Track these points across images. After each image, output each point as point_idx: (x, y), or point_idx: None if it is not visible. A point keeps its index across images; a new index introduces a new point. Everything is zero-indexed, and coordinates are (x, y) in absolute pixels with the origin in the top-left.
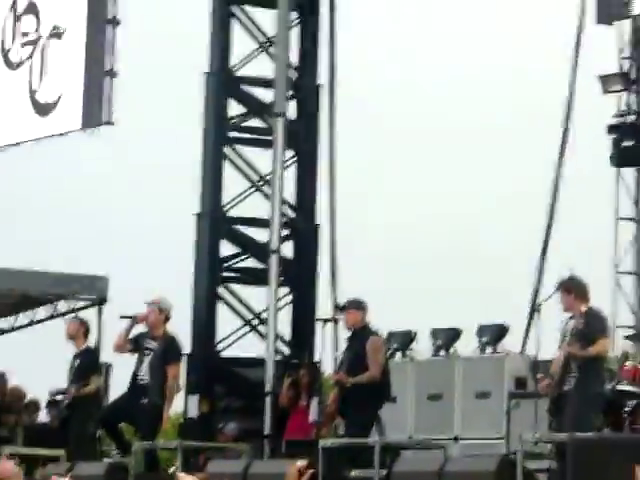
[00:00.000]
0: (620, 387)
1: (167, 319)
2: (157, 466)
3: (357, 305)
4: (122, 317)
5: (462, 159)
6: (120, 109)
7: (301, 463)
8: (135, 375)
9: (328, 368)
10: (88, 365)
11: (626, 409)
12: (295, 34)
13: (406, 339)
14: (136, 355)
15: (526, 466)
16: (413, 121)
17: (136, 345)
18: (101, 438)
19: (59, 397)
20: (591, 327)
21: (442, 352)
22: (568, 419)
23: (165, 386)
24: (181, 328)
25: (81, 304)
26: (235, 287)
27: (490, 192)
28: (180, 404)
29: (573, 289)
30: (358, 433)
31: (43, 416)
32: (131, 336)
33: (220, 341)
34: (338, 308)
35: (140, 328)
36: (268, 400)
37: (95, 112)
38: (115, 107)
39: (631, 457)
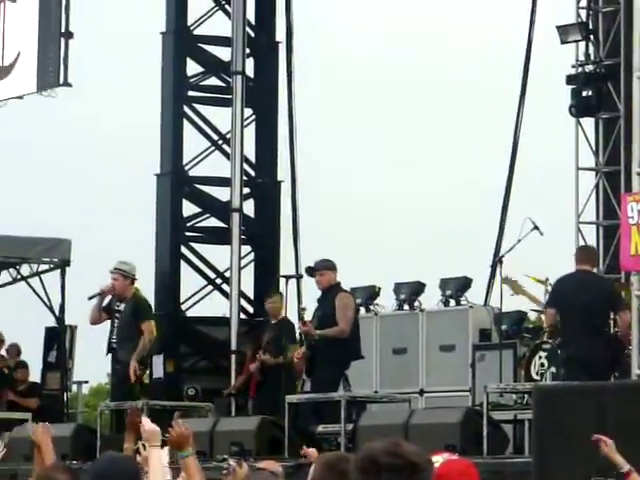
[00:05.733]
0: None
1: (133, 282)
2: None
3: (328, 265)
4: (90, 298)
5: (423, 110)
6: (77, 71)
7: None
8: (110, 340)
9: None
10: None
11: None
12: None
13: (370, 294)
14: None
15: (492, 417)
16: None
17: (109, 312)
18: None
19: None
20: None
21: (406, 306)
22: None
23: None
24: (145, 289)
25: (44, 267)
26: (198, 246)
27: (452, 145)
28: None
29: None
30: (325, 389)
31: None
32: (104, 304)
33: (184, 301)
34: (309, 271)
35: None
36: (233, 359)
37: (51, 74)
38: (72, 69)
39: (595, 405)
